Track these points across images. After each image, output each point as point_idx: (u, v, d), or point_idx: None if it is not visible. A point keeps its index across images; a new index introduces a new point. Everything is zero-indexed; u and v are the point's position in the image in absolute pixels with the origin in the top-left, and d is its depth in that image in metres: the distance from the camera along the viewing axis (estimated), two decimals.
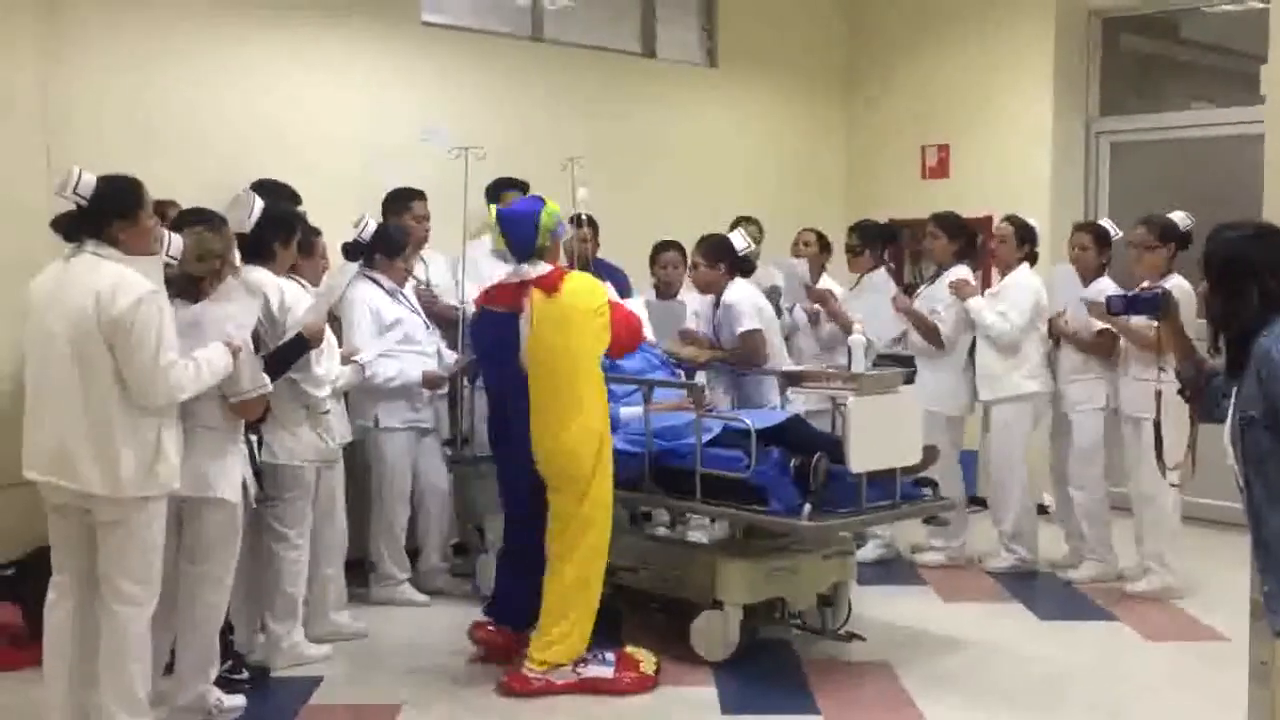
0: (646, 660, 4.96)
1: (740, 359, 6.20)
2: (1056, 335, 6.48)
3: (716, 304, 6.29)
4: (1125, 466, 6.31)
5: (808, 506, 4.83)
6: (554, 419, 4.85)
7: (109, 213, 4.01)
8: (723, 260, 6.26)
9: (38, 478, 4.05)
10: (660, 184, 7.98)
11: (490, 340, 5.15)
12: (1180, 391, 3.62)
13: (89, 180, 3.99)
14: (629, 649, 5.02)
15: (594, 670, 4.85)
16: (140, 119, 6.00)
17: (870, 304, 6.60)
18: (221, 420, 4.33)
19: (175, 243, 4.17)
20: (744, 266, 6.36)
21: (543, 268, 4.92)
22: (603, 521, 4.89)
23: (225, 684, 4.61)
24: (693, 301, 6.48)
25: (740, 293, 6.25)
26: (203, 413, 4.26)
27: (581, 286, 4.95)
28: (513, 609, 5.11)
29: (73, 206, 4.00)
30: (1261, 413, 3.15)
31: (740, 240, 6.34)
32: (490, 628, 5.20)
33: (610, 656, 4.91)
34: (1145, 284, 6.04)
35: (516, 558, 5.14)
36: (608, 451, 4.91)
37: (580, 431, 4.82)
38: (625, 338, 5.04)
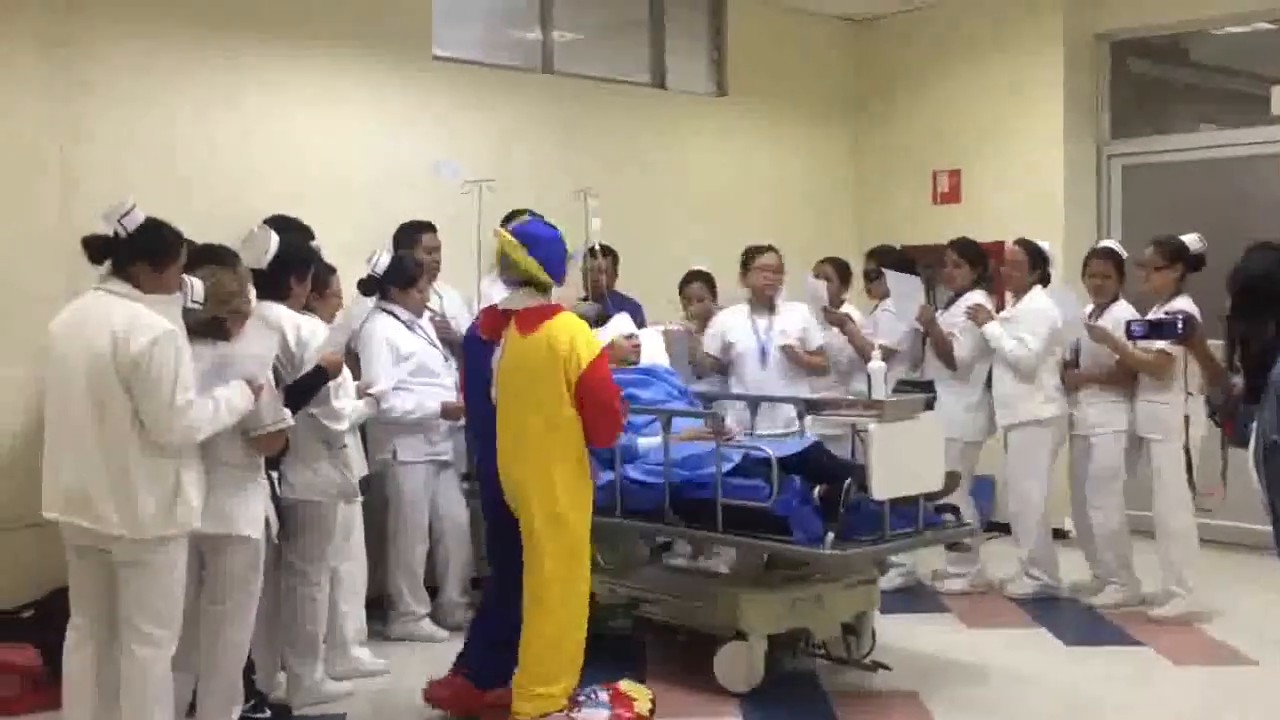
0: (641, 697, 4.77)
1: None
2: (1074, 382, 6.45)
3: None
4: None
5: (830, 535, 4.79)
6: (523, 460, 4.57)
7: (141, 254, 4.00)
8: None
9: (58, 517, 4.02)
10: (672, 213, 7.97)
11: (470, 366, 5.00)
12: (1211, 415, 3.58)
13: (138, 217, 3.99)
14: (623, 685, 4.81)
15: (588, 713, 4.63)
16: (160, 159, 5.96)
17: (904, 289, 6.61)
18: (242, 457, 4.30)
19: (196, 288, 4.12)
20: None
21: (548, 298, 4.63)
22: (579, 570, 4.58)
23: None
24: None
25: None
26: (223, 450, 4.23)
27: (563, 328, 4.52)
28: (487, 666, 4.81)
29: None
30: None
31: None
32: (452, 684, 4.90)
33: (604, 696, 4.71)
34: (1156, 307, 6.00)
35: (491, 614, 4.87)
36: (586, 496, 4.63)
37: (559, 479, 4.51)
38: (604, 425, 4.55)
